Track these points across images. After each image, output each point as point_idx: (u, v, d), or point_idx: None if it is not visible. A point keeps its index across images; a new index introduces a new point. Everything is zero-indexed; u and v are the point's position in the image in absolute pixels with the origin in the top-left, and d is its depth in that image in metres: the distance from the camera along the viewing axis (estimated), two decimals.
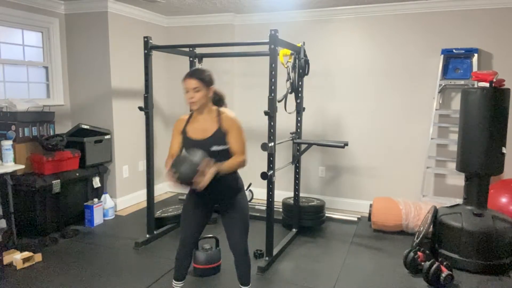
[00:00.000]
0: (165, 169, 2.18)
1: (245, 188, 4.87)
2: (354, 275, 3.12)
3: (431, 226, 3.43)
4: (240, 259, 2.38)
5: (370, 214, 4.10)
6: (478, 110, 3.16)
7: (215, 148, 2.21)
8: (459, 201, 3.86)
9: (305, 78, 3.89)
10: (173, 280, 2.45)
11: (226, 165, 2.19)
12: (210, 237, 3.22)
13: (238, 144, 2.25)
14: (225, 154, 2.24)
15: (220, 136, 2.22)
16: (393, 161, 4.57)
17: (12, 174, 3.64)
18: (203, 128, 2.26)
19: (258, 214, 4.42)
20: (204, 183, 2.06)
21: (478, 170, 3.21)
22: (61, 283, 2.94)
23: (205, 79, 2.23)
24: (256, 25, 4.96)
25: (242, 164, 2.26)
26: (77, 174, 4.13)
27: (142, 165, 5.02)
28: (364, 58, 4.57)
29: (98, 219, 4.20)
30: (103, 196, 4.38)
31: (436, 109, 4.25)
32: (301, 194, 4.69)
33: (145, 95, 3.58)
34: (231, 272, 3.11)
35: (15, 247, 3.41)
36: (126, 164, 4.80)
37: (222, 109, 2.33)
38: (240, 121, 2.29)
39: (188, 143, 2.27)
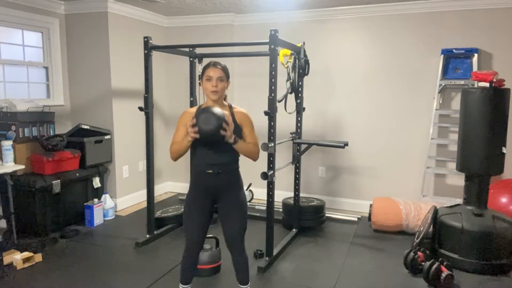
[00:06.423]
0: (173, 146, 2.24)
1: (245, 188, 4.86)
2: (354, 275, 3.12)
3: (431, 226, 3.43)
4: (237, 256, 2.39)
5: (370, 214, 4.10)
6: (478, 110, 3.16)
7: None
8: (459, 201, 3.86)
9: (305, 78, 3.88)
10: (180, 284, 2.44)
11: (244, 144, 2.26)
12: (210, 237, 3.22)
13: (252, 137, 2.32)
14: None
15: (235, 129, 2.24)
16: (393, 161, 4.57)
17: (12, 174, 3.64)
18: None
19: (258, 214, 4.42)
20: (230, 134, 2.12)
21: (478, 170, 3.21)
22: (61, 283, 2.94)
23: (227, 72, 2.32)
24: (256, 25, 4.96)
25: (257, 152, 2.32)
26: (77, 174, 4.13)
27: (142, 165, 5.02)
28: (364, 58, 4.57)
29: (98, 219, 4.20)
30: (103, 196, 4.38)
31: (436, 109, 4.25)
32: (301, 194, 4.68)
33: (145, 95, 3.58)
34: (231, 272, 3.09)
35: (15, 247, 3.41)
36: (126, 164, 4.80)
37: (233, 104, 2.37)
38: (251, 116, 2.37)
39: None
